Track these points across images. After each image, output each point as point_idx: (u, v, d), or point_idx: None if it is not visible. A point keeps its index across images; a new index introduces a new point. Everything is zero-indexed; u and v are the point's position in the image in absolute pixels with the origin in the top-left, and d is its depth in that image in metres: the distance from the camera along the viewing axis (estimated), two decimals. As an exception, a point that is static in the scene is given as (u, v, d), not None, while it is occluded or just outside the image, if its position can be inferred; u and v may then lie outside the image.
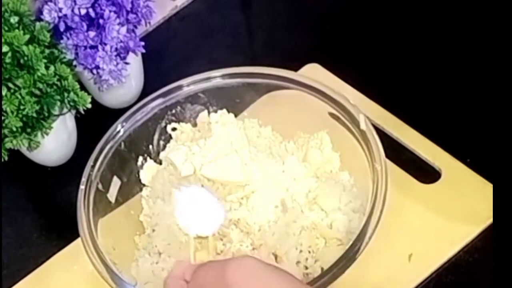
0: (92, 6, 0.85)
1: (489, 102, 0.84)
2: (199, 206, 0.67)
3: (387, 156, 0.75)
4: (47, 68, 0.82)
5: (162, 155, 0.84)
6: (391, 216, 0.73)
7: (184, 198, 0.68)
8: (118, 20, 0.86)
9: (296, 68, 0.91)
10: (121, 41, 0.87)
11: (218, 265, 0.61)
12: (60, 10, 0.85)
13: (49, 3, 0.85)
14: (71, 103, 0.85)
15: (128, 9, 0.87)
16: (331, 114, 0.80)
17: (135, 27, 0.90)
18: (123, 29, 0.87)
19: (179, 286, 0.64)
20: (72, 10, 0.85)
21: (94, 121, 0.87)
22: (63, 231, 0.86)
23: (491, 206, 0.70)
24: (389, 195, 0.72)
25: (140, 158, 0.84)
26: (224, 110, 0.84)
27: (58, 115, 0.86)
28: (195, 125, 0.86)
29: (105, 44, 0.86)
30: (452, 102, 0.89)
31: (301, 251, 0.75)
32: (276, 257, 0.75)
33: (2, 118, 0.82)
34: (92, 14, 0.86)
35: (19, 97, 0.81)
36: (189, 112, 0.86)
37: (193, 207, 0.67)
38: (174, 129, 0.85)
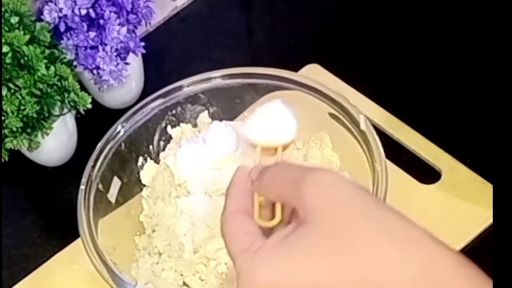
0: (93, 6, 0.85)
1: (489, 102, 0.84)
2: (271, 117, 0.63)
3: (387, 156, 0.75)
4: (47, 68, 0.82)
5: (162, 155, 0.85)
6: (391, 216, 0.72)
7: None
8: (118, 21, 0.86)
9: (296, 69, 0.91)
10: (121, 42, 0.87)
11: (294, 172, 0.51)
12: (61, 10, 0.85)
13: (49, 3, 0.85)
14: (72, 104, 0.85)
15: (129, 9, 0.87)
16: (331, 115, 0.80)
17: (135, 27, 0.90)
18: (124, 30, 0.87)
19: (246, 183, 0.55)
20: (73, 11, 0.85)
21: (95, 122, 0.87)
22: (63, 231, 0.86)
23: (491, 207, 0.70)
24: (389, 196, 0.72)
25: (141, 159, 0.84)
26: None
27: (58, 116, 0.86)
28: (195, 125, 0.86)
29: (106, 44, 0.86)
30: (452, 103, 0.89)
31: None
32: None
33: (2, 118, 0.82)
34: (93, 14, 0.86)
35: (20, 97, 0.81)
36: (189, 113, 0.86)
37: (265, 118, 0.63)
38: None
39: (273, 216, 0.54)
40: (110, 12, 0.86)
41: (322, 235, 0.47)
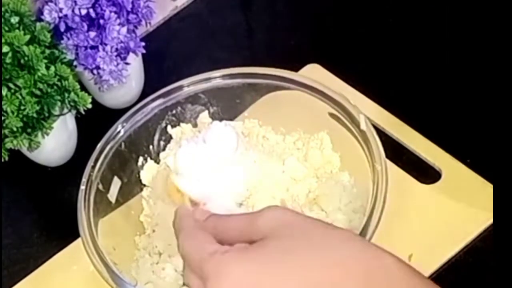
0: (93, 6, 0.85)
1: (489, 102, 0.84)
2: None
3: (387, 156, 0.75)
4: (47, 68, 0.82)
5: (162, 155, 0.85)
6: (391, 216, 0.72)
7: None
8: (118, 21, 0.86)
9: (296, 68, 0.91)
10: (121, 42, 0.87)
11: (244, 215, 0.56)
12: (61, 10, 0.85)
13: (49, 3, 0.85)
14: (72, 103, 0.85)
15: (129, 9, 0.87)
16: (331, 114, 0.80)
17: (136, 27, 0.90)
18: (124, 30, 0.87)
19: (191, 223, 0.58)
20: (73, 11, 0.85)
21: (95, 122, 0.87)
22: (63, 231, 0.86)
23: (491, 206, 0.70)
24: (389, 196, 0.72)
25: (141, 159, 0.84)
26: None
27: (58, 115, 0.86)
28: (195, 125, 0.86)
29: (106, 44, 0.86)
30: (452, 103, 0.89)
31: (301, 251, 0.75)
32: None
33: (3, 118, 0.82)
34: (93, 14, 0.86)
35: (20, 97, 0.81)
36: (190, 113, 0.86)
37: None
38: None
39: None
40: (110, 12, 0.86)
41: (280, 247, 0.51)
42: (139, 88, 0.95)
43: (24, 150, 0.88)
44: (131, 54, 0.89)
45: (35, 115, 0.82)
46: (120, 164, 0.82)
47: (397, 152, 0.84)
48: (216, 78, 0.84)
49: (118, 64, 0.87)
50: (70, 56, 0.87)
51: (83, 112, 0.86)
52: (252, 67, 0.85)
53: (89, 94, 0.86)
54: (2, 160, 0.85)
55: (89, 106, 0.85)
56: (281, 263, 0.51)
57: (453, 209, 0.79)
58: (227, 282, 0.50)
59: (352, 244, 0.53)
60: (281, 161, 0.80)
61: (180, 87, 0.84)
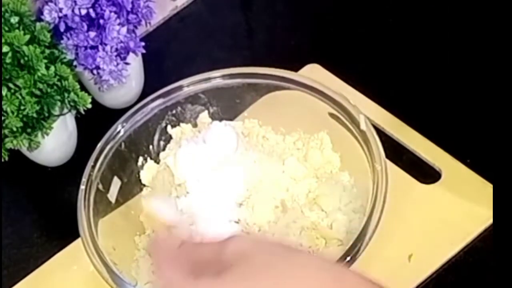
0: (93, 6, 0.85)
1: (489, 102, 0.84)
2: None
3: (387, 156, 0.75)
4: (47, 68, 0.82)
5: (162, 155, 0.85)
6: (391, 216, 0.73)
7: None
8: (118, 21, 0.86)
9: (296, 68, 0.91)
10: (121, 42, 0.87)
11: (213, 244, 0.59)
12: (61, 10, 0.85)
13: (49, 3, 0.85)
14: (72, 103, 0.85)
15: (129, 9, 0.87)
16: (331, 114, 0.80)
17: (136, 27, 0.90)
18: (124, 30, 0.87)
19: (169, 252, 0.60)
20: (73, 11, 0.85)
21: (95, 122, 0.87)
22: (63, 231, 0.86)
23: (491, 206, 0.70)
24: (389, 196, 0.72)
25: (141, 159, 0.84)
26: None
27: (58, 115, 0.86)
28: (195, 125, 0.86)
29: (106, 44, 0.86)
30: (452, 103, 0.89)
31: (301, 251, 0.75)
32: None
33: (2, 118, 0.82)
34: (93, 14, 0.86)
35: (20, 97, 0.81)
36: (190, 113, 0.86)
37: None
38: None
39: None
40: (110, 12, 0.86)
41: (243, 273, 0.54)
42: (139, 88, 0.95)
43: (24, 150, 0.88)
44: (131, 54, 0.89)
45: (35, 115, 0.82)
46: (120, 164, 0.82)
47: (397, 152, 0.84)
48: (216, 78, 0.84)
49: (118, 64, 0.87)
50: (70, 56, 0.87)
51: (83, 112, 0.86)
52: (252, 67, 0.85)
53: (89, 94, 0.86)
54: (2, 160, 0.85)
55: (89, 106, 0.85)
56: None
57: (453, 209, 0.79)
58: None
59: (315, 262, 0.55)
60: (281, 161, 0.80)
61: (180, 87, 0.84)
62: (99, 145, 0.81)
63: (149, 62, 0.95)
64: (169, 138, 0.85)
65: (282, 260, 0.54)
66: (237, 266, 0.54)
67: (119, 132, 0.82)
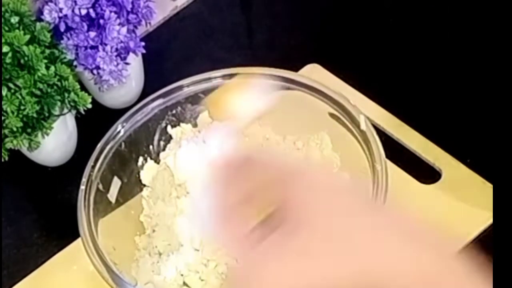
0: (93, 6, 0.85)
1: (489, 102, 0.84)
2: None
3: (387, 156, 0.75)
4: (47, 68, 0.82)
5: (162, 155, 0.85)
6: (391, 216, 0.72)
7: None
8: (118, 21, 0.86)
9: (296, 68, 0.91)
10: (121, 42, 0.87)
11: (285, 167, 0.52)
12: (61, 10, 0.85)
13: (49, 3, 0.85)
14: (72, 103, 0.85)
15: (129, 9, 0.87)
16: (331, 114, 0.80)
17: (136, 27, 0.90)
18: (124, 30, 0.87)
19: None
20: (73, 11, 0.85)
21: (95, 122, 0.87)
22: (63, 231, 0.86)
23: (491, 206, 0.70)
24: (389, 195, 0.72)
25: (141, 159, 0.84)
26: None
27: (58, 115, 0.86)
28: (195, 125, 0.86)
29: (106, 44, 0.86)
30: (452, 103, 0.89)
31: (301, 251, 0.75)
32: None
33: (3, 118, 0.82)
34: (93, 14, 0.86)
35: (20, 97, 0.81)
36: (190, 113, 0.86)
37: None
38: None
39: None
40: (110, 12, 0.86)
41: (318, 235, 0.47)
42: (139, 88, 0.95)
43: (24, 150, 0.88)
44: (131, 54, 0.89)
45: (35, 115, 0.82)
46: (120, 164, 0.82)
47: (397, 152, 0.84)
48: (216, 78, 0.84)
49: (118, 64, 0.87)
50: (70, 56, 0.87)
51: (83, 112, 0.86)
52: (252, 67, 0.85)
53: (89, 94, 0.86)
54: (2, 160, 0.85)
55: (89, 106, 0.85)
56: (320, 259, 0.47)
57: (453, 209, 0.79)
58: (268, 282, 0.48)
59: (411, 235, 0.48)
60: (281, 161, 0.80)
61: (180, 87, 0.84)
62: (99, 145, 0.81)
63: (149, 62, 0.95)
64: (169, 138, 0.85)
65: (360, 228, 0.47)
66: (306, 226, 0.47)
67: (119, 132, 0.82)
